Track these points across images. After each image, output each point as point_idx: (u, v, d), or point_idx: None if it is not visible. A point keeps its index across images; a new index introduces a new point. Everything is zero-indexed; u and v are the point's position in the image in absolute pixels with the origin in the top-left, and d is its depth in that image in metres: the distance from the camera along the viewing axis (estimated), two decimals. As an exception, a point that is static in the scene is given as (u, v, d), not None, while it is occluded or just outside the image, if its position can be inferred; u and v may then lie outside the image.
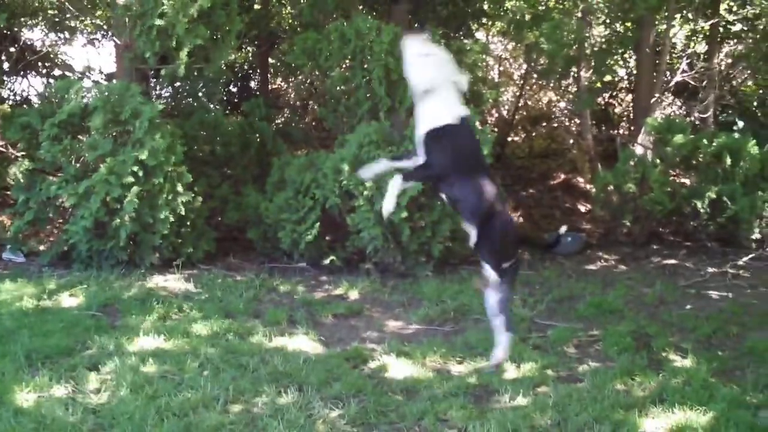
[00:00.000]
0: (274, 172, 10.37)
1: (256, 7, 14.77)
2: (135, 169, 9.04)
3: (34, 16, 14.02)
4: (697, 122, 13.53)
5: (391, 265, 9.63)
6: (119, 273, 9.22)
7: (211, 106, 12.76)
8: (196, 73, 11.41)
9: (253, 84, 15.95)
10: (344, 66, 10.62)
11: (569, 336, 7.41)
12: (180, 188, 9.62)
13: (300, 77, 14.70)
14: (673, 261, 10.45)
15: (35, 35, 14.73)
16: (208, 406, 5.68)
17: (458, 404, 5.79)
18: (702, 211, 10.72)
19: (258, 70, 15.50)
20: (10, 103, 13.86)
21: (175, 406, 5.64)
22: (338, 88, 10.66)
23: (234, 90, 15.75)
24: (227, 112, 14.28)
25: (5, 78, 14.27)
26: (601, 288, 9.22)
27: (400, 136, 9.67)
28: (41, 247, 10.25)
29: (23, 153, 10.08)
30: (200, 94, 12.82)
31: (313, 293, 8.98)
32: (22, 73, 14.46)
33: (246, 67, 15.96)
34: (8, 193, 10.21)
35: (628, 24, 12.90)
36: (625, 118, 15.54)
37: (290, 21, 15.20)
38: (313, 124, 14.18)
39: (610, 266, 10.43)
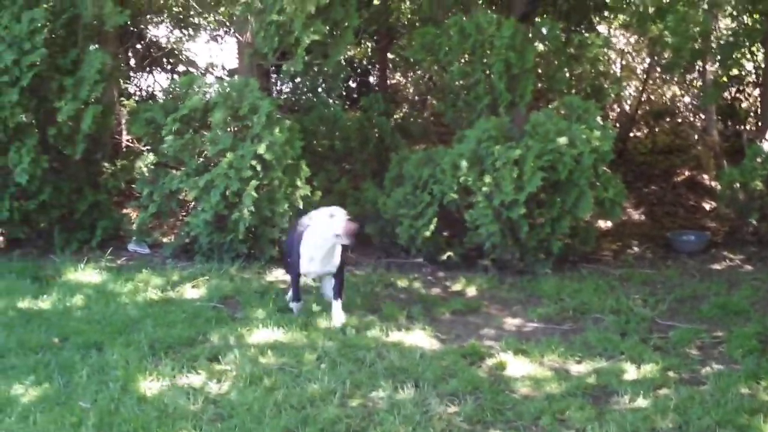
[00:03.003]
0: (392, 167, 10.38)
1: (375, 2, 14.82)
2: (253, 163, 9.17)
3: (159, 14, 14.36)
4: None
5: (509, 262, 9.54)
6: (239, 266, 9.36)
7: (331, 101, 12.85)
8: (315, 69, 11.52)
9: (372, 79, 16.01)
10: (463, 61, 10.56)
11: (692, 337, 7.22)
12: (299, 182, 9.72)
13: (419, 72, 14.73)
14: (802, 261, 10.13)
15: (160, 32, 15.11)
16: (326, 400, 5.73)
17: (576, 404, 5.70)
18: (833, 208, 10.36)
19: (377, 66, 15.56)
20: (137, 98, 14.24)
21: (293, 398, 5.71)
22: (457, 82, 10.61)
23: (353, 85, 15.85)
24: (346, 107, 14.37)
25: (132, 74, 14.66)
26: (726, 288, 8.96)
27: (520, 131, 9.57)
28: (165, 239, 10.49)
29: (148, 147, 10.34)
30: (320, 89, 12.93)
31: (430, 289, 8.96)
32: (147, 69, 14.86)
33: (365, 62, 16.04)
34: (133, 186, 10.45)
35: (756, 16, 12.52)
36: (752, 114, 15.09)
37: (409, 16, 15.21)
38: (432, 119, 14.17)
39: (735, 266, 10.13)
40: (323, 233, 7.21)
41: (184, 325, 7.18)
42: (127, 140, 12.35)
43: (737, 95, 15.39)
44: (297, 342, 6.87)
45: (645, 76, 15.59)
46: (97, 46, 10.09)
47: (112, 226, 10.31)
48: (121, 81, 13.05)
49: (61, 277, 8.71)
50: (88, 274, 8.81)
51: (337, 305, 7.44)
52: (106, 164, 10.66)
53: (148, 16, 14.39)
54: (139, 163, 10.04)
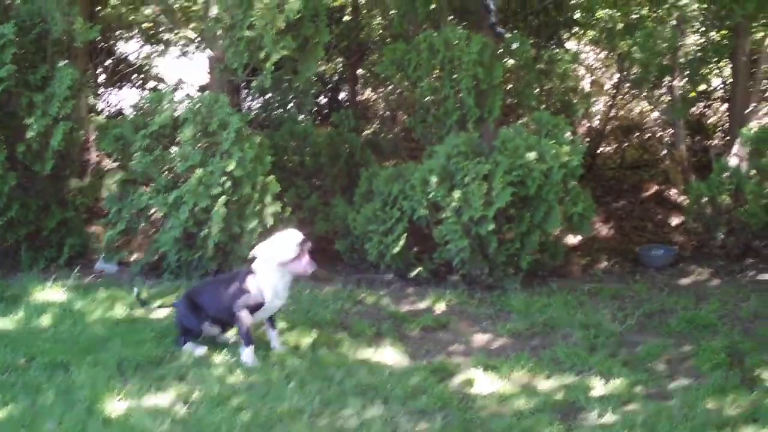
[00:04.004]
0: (362, 183, 10.39)
1: (346, 18, 14.85)
2: (223, 179, 9.14)
3: (129, 29, 14.33)
4: (794, 133, 13.17)
5: (479, 278, 9.56)
6: (208, 283, 9.31)
7: (301, 116, 12.85)
8: (285, 85, 11.52)
9: (342, 95, 16.02)
10: (433, 76, 10.60)
11: (660, 352, 7.27)
12: (268, 198, 9.70)
13: (389, 88, 14.75)
14: (768, 275, 10.20)
15: (130, 48, 15.07)
16: (294, 418, 5.73)
17: (545, 421, 5.73)
18: (799, 224, 10.44)
19: (347, 81, 15.58)
20: (106, 114, 14.18)
21: (262, 417, 5.70)
22: (427, 98, 10.64)
23: (323, 101, 15.86)
24: (317, 122, 14.37)
25: (101, 90, 14.62)
26: (694, 302, 9.00)
27: (490, 146, 9.60)
28: (133, 257, 10.43)
29: (117, 163, 10.29)
30: (290, 105, 12.92)
31: (400, 305, 8.96)
32: (117, 85, 14.81)
33: (335, 78, 16.05)
34: (102, 203, 10.40)
35: (724, 32, 12.64)
36: (719, 129, 15.21)
37: (380, 32, 15.25)
38: (402, 134, 14.18)
39: (703, 280, 10.19)
40: (285, 264, 6.86)
41: (153, 343, 7.12)
42: (96, 156, 12.28)
43: (705, 110, 15.51)
44: (265, 360, 6.84)
45: (614, 92, 15.67)
46: (66, 61, 10.03)
47: (80, 243, 10.24)
48: (91, 97, 12.98)
49: (28, 296, 8.60)
50: (55, 293, 8.73)
51: (276, 333, 7.25)
52: (74, 181, 10.58)
53: (118, 32, 14.38)
54: (107, 179, 9.99)
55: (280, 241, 6.89)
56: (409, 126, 11.59)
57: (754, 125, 11.63)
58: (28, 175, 9.88)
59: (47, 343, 7.10)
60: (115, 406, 5.85)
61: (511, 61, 11.26)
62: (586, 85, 15.51)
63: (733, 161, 11.28)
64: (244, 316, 6.84)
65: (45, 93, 9.55)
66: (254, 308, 6.88)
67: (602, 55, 15.95)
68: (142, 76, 14.99)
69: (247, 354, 6.80)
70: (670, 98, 13.54)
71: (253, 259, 6.99)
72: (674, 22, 12.54)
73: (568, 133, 9.81)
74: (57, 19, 9.67)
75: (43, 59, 9.89)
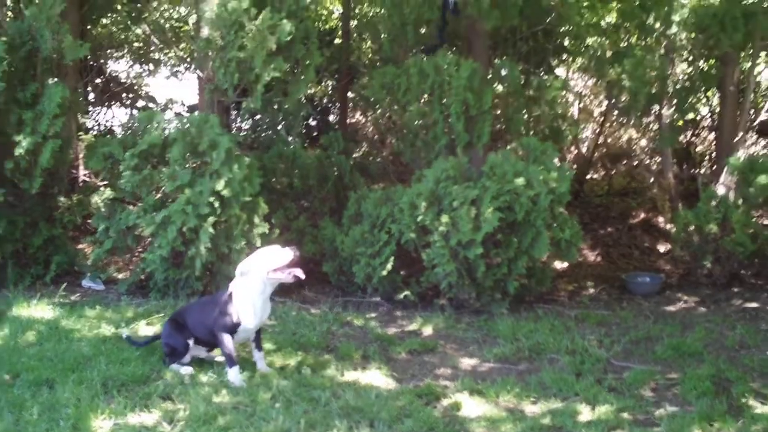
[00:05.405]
0: (350, 205, 10.41)
1: (337, 41, 14.91)
2: (211, 199, 9.14)
3: (120, 48, 14.35)
4: (781, 163, 13.26)
5: (466, 302, 9.57)
6: (195, 303, 9.29)
7: (290, 138, 12.87)
8: (275, 106, 11.54)
9: (332, 117, 16.04)
10: (422, 101, 10.64)
11: (646, 378, 7.26)
12: (256, 219, 9.70)
13: (378, 111, 14.79)
14: (755, 304, 10.18)
15: (120, 67, 15.09)
16: (280, 439, 5.69)
17: (531, 445, 5.70)
18: (786, 253, 10.50)
19: (337, 104, 15.61)
20: (95, 133, 14.18)
21: (247, 438, 5.65)
22: (416, 122, 10.68)
23: (313, 123, 15.87)
24: (306, 145, 14.37)
25: (90, 108, 14.61)
26: (680, 330, 9.02)
27: (478, 171, 9.63)
28: (120, 276, 10.40)
29: (105, 182, 10.28)
30: (279, 127, 12.94)
31: (387, 328, 8.95)
32: (106, 103, 14.81)
33: (325, 100, 16.08)
34: (89, 221, 10.38)
35: (712, 61, 12.73)
36: (707, 158, 15.29)
37: (370, 55, 15.30)
38: (391, 158, 14.20)
39: (689, 308, 10.21)
40: (264, 277, 6.83)
41: (138, 362, 7.09)
42: (84, 175, 12.26)
43: (693, 139, 15.59)
44: (251, 381, 6.82)
45: (602, 119, 15.77)
46: (56, 79, 10.03)
47: (67, 261, 10.23)
48: (80, 115, 12.97)
49: (14, 313, 8.57)
50: (41, 310, 8.70)
51: (262, 355, 7.22)
52: (62, 199, 10.56)
53: (109, 51, 14.38)
54: (95, 198, 9.98)
55: (270, 251, 6.90)
56: (398, 150, 11.62)
57: (741, 154, 11.70)
58: (16, 192, 9.87)
59: (32, 360, 7.05)
60: (99, 425, 5.81)
61: (500, 87, 11.30)
62: (574, 112, 15.59)
63: (720, 190, 11.34)
64: (225, 337, 6.81)
65: (35, 110, 9.55)
66: (232, 329, 6.84)
67: (591, 82, 16.04)
68: (131, 95, 14.98)
69: (232, 374, 6.76)
70: (658, 126, 13.61)
71: (232, 279, 6.98)
72: (663, 51, 12.62)
73: (556, 160, 9.86)
74: (47, 37, 9.68)
75: (33, 77, 9.90)
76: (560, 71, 14.83)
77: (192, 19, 12.28)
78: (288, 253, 6.80)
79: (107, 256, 10.06)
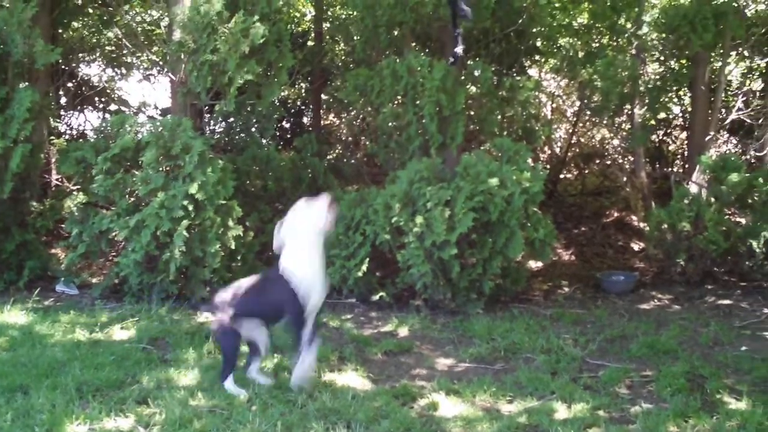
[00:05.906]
0: (324, 207, 10.39)
1: (310, 43, 14.90)
2: (185, 203, 9.11)
3: (92, 52, 14.26)
4: (752, 161, 13.37)
5: (441, 302, 9.58)
6: (170, 306, 9.26)
7: (264, 141, 12.85)
8: (249, 109, 11.52)
9: (305, 120, 16.05)
10: (396, 102, 10.65)
11: (621, 376, 7.29)
12: (231, 222, 9.68)
13: (352, 113, 14.79)
14: (728, 301, 10.27)
15: (92, 70, 15.01)
16: (256, 442, 5.67)
17: (508, 444, 5.72)
18: (758, 250, 10.57)
19: (311, 106, 15.60)
20: (67, 137, 14.09)
21: (223, 441, 5.64)
22: (390, 124, 10.69)
23: (287, 125, 15.86)
24: (279, 147, 14.36)
25: (62, 112, 14.53)
26: (655, 328, 9.07)
27: (452, 172, 9.65)
28: (94, 280, 10.36)
29: (77, 186, 10.22)
30: (253, 129, 12.93)
31: (363, 329, 8.94)
32: (79, 107, 14.72)
33: (299, 103, 16.07)
34: (62, 225, 10.32)
35: (683, 61, 12.82)
36: (679, 156, 15.38)
37: (343, 58, 15.31)
38: (365, 159, 14.22)
39: (663, 306, 10.27)
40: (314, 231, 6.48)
41: (113, 367, 7.06)
42: (57, 179, 12.19)
43: (665, 138, 15.69)
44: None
45: (575, 119, 15.83)
46: (27, 84, 9.97)
47: (40, 266, 10.17)
48: (52, 119, 12.90)
49: (-13, 319, 8.53)
50: (14, 315, 8.64)
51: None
52: (34, 203, 10.50)
53: (80, 55, 14.30)
54: (68, 202, 9.92)
55: (311, 208, 6.60)
56: (371, 151, 11.63)
57: (713, 153, 11.79)
58: (-14, 197, 9.81)
59: (6, 366, 7.00)
60: (75, 430, 5.78)
61: (473, 88, 11.32)
62: (547, 112, 15.64)
63: (692, 188, 11.42)
64: (298, 329, 6.63)
65: (4, 115, 9.50)
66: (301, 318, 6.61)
67: (563, 82, 16.10)
68: (104, 99, 14.91)
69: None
70: (630, 126, 13.69)
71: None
72: (634, 51, 12.70)
73: (530, 160, 9.90)
74: (17, 42, 9.64)
75: (4, 81, 9.84)
76: (533, 72, 14.88)
77: (164, 23, 12.24)
78: (324, 200, 6.61)
79: (81, 260, 10.00)
